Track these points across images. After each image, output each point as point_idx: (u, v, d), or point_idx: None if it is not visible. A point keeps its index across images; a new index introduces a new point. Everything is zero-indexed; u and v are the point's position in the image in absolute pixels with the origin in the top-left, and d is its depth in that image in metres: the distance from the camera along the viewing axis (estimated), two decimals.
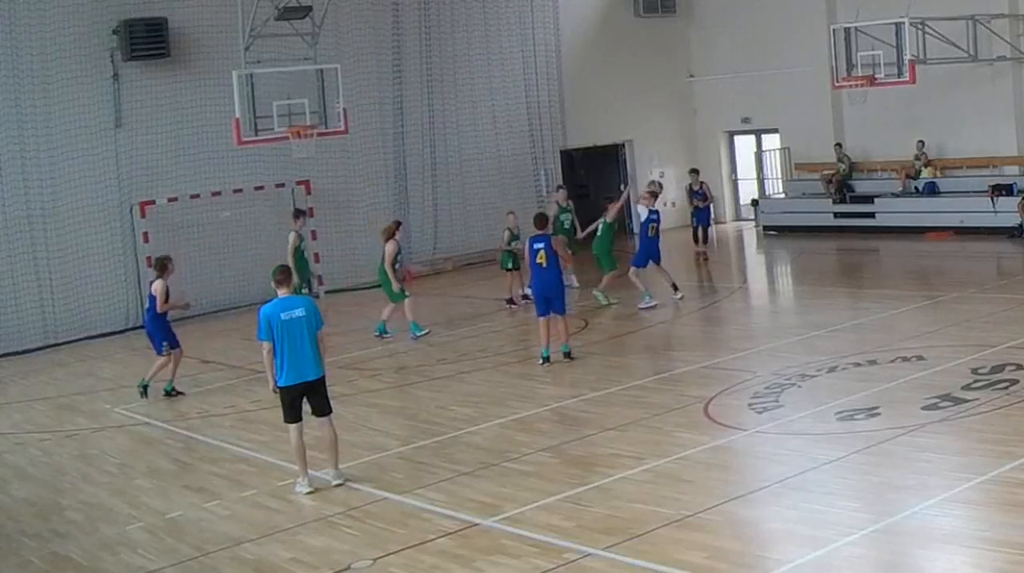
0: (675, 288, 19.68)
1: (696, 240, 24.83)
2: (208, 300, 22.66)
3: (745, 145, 30.91)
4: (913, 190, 26.16)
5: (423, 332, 18.44)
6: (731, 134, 30.83)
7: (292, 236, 19.04)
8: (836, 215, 27.04)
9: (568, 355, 15.78)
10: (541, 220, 16.18)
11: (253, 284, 21.79)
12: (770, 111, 28.95)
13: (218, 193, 23.07)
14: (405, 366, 16.84)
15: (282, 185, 23.87)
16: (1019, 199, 23.64)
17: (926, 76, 23.81)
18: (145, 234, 22.28)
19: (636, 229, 19.98)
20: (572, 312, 16.72)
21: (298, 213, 19.71)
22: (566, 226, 21.45)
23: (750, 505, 9.76)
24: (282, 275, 11.36)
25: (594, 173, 30.35)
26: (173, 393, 15.88)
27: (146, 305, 16.30)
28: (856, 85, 23.78)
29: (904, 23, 22.80)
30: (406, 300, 18.47)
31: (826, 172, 27.65)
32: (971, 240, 24.05)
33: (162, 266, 15.78)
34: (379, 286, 18.14)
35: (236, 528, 10.44)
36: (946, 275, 21.51)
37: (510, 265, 20.71)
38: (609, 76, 28.82)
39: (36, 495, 12.22)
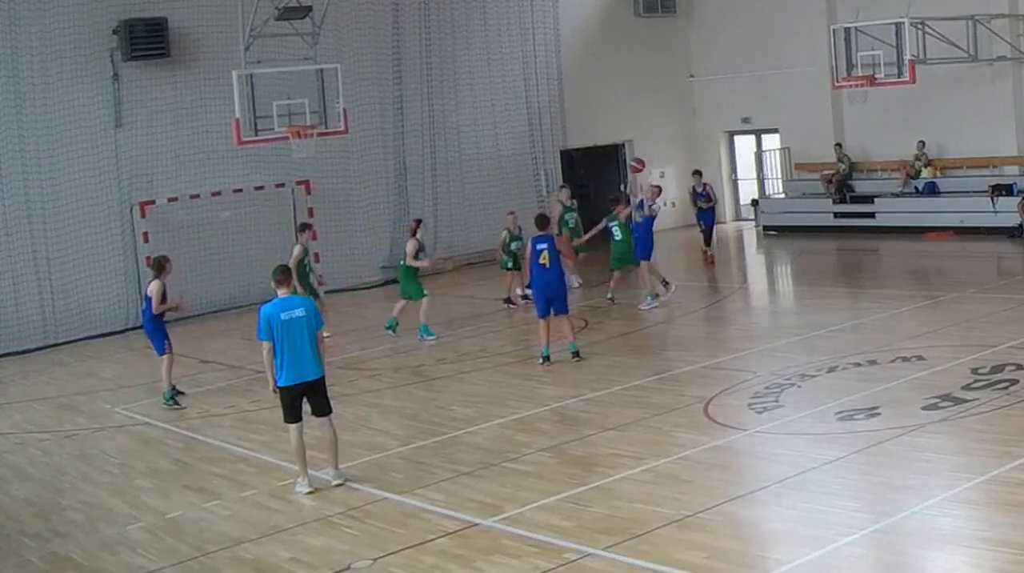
0: (666, 283, 19.58)
1: (708, 242, 24.35)
2: (208, 300, 22.68)
3: (745, 145, 30.92)
4: (913, 190, 26.17)
5: (432, 337, 18.25)
6: (731, 134, 30.84)
7: (297, 249, 18.80)
8: (836, 215, 27.05)
9: (576, 354, 15.77)
10: (543, 221, 16.17)
11: (253, 284, 21.80)
12: (770, 111, 28.95)
13: (218, 193, 23.08)
14: (405, 366, 16.84)
15: (282, 185, 23.88)
16: (1019, 199, 23.64)
17: (926, 76, 23.82)
18: (145, 234, 22.29)
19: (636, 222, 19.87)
20: (573, 312, 16.69)
21: (303, 227, 19.43)
22: (571, 225, 21.40)
23: (750, 505, 9.76)
24: (282, 275, 11.36)
25: (594, 173, 30.34)
26: (176, 395, 15.64)
27: (143, 306, 16.08)
28: (856, 85, 23.79)
29: (904, 23, 22.80)
30: (423, 300, 18.28)
31: (826, 172, 27.66)
32: (971, 240, 24.05)
33: (159, 266, 15.54)
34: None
35: (236, 528, 10.44)
36: (946, 275, 21.51)
37: (509, 265, 20.72)
38: (609, 76, 28.83)
39: (36, 495, 12.22)
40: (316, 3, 21.19)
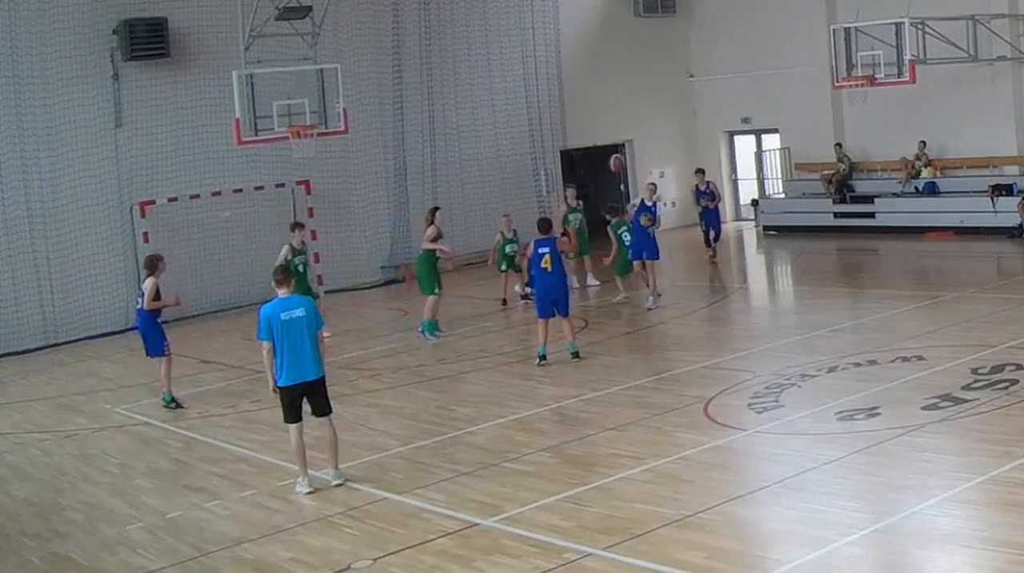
0: (653, 288, 19.38)
1: (708, 243, 24.18)
2: (208, 300, 22.71)
3: (745, 145, 30.91)
4: (913, 190, 26.17)
5: (433, 338, 18.15)
6: (731, 134, 30.84)
7: (284, 249, 18.74)
8: (836, 215, 27.05)
9: (576, 355, 15.76)
10: (545, 225, 16.13)
11: (253, 284, 21.81)
12: (770, 111, 28.95)
13: (218, 193, 23.08)
14: (405, 366, 16.83)
15: (282, 185, 23.87)
16: (1019, 199, 23.64)
17: (926, 76, 23.82)
18: (145, 234, 22.29)
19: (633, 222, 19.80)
20: (574, 313, 16.70)
21: (295, 226, 19.35)
22: (574, 226, 21.32)
23: (750, 505, 9.76)
24: (282, 275, 11.37)
25: (594, 173, 30.35)
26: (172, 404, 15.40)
27: (137, 304, 15.68)
28: (856, 85, 23.78)
29: (904, 23, 22.80)
30: (430, 297, 18.19)
31: (826, 172, 27.66)
32: (971, 240, 24.06)
33: (152, 265, 15.28)
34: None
35: (236, 528, 10.44)
36: (946, 275, 21.52)
37: (504, 266, 20.70)
38: (609, 76, 28.83)
39: (36, 495, 12.21)
40: (316, 3, 21.19)
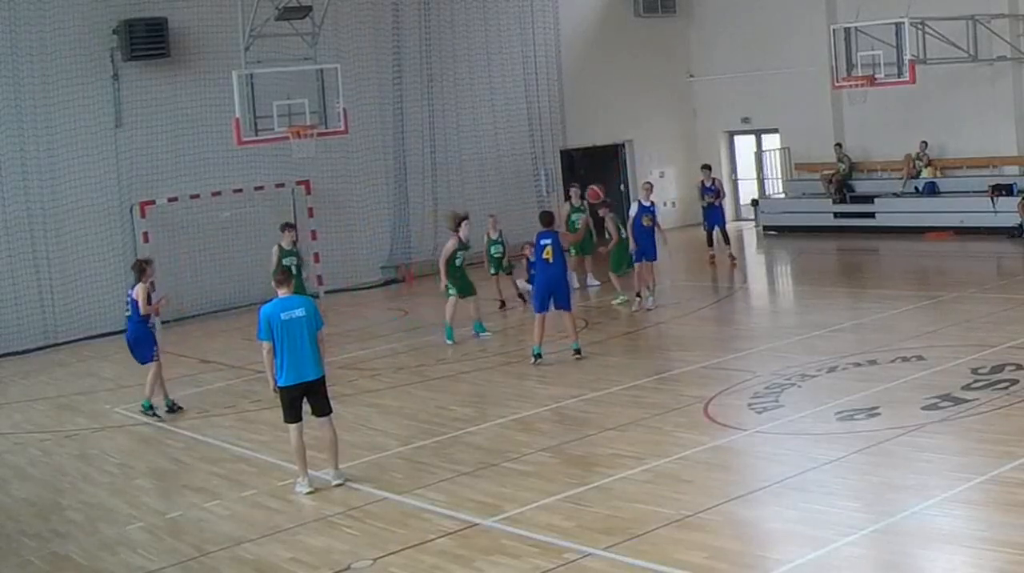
0: (639, 296, 19.27)
1: (710, 242, 24.04)
2: (208, 300, 22.73)
3: (745, 145, 30.92)
4: (913, 190, 26.17)
5: (450, 341, 17.76)
6: (731, 134, 30.84)
7: (275, 249, 18.71)
8: (836, 215, 27.05)
9: (578, 353, 15.75)
10: (547, 217, 16.20)
11: (253, 284, 21.79)
12: (770, 111, 28.96)
13: (218, 193, 23.08)
14: (405, 366, 16.84)
15: (282, 185, 23.88)
16: (1019, 199, 23.65)
17: (926, 76, 23.82)
18: (145, 234, 22.30)
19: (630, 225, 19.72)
20: (574, 312, 16.67)
21: (285, 226, 19.26)
22: (577, 226, 21.20)
23: (750, 505, 9.76)
24: (282, 275, 11.38)
25: (594, 173, 30.32)
26: (176, 407, 15.07)
27: (128, 312, 15.13)
28: (856, 85, 23.79)
29: (904, 23, 22.80)
30: (449, 298, 17.89)
31: (826, 172, 27.66)
32: (971, 240, 24.06)
33: (141, 269, 15.02)
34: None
35: (236, 528, 10.44)
36: (946, 275, 21.52)
37: (493, 270, 20.61)
38: (609, 76, 28.83)
39: (36, 495, 12.21)
40: (316, 3, 21.19)
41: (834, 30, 24.39)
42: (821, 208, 27.33)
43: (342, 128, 21.68)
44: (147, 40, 21.89)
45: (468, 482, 11.03)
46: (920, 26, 23.46)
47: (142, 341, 14.98)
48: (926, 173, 26.08)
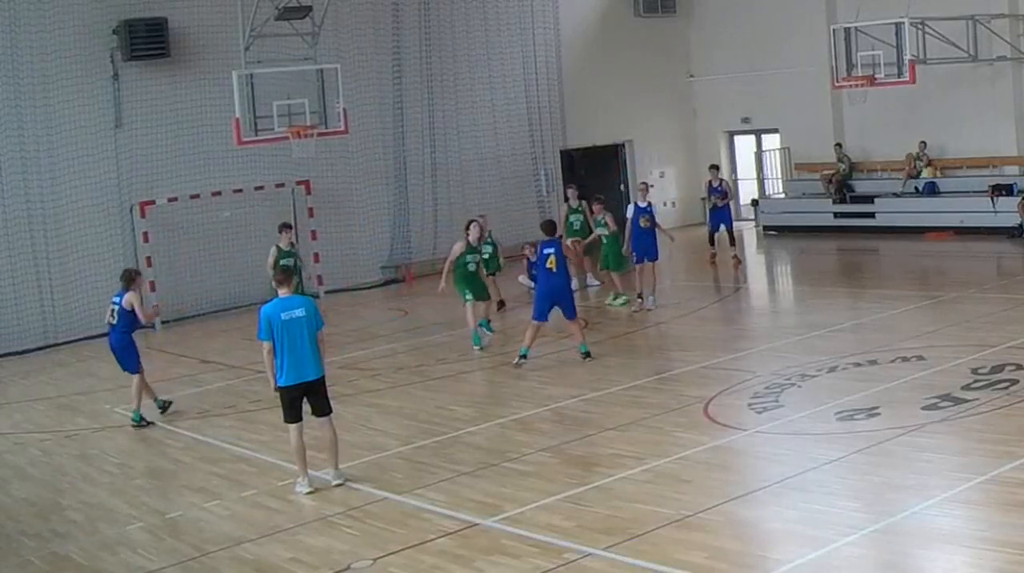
0: (640, 296, 19.26)
1: (712, 242, 23.97)
2: (208, 300, 22.73)
3: (745, 145, 30.91)
4: (913, 190, 26.17)
5: (477, 346, 17.33)
6: (731, 134, 30.84)
7: (272, 250, 18.61)
8: (836, 215, 27.05)
9: (588, 355, 15.70)
10: (549, 226, 16.11)
11: (253, 284, 21.80)
12: (770, 111, 28.95)
13: (218, 193, 23.08)
14: (405, 366, 16.84)
15: (282, 185, 23.88)
16: (1019, 199, 23.65)
17: (926, 76, 23.81)
18: (145, 234, 22.32)
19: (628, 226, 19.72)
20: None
21: (283, 227, 19.17)
22: (575, 227, 21.16)
23: (750, 505, 9.76)
24: (282, 275, 11.39)
25: (594, 173, 30.34)
26: (143, 422, 14.71)
27: (113, 321, 14.67)
28: (856, 85, 23.78)
29: (904, 23, 22.79)
30: (467, 305, 17.42)
31: (826, 172, 27.66)
32: (971, 240, 24.05)
33: (131, 278, 14.72)
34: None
35: (236, 528, 10.44)
36: (946, 275, 21.52)
37: (486, 271, 20.46)
38: (609, 76, 28.82)
39: (36, 495, 12.21)
40: (316, 3, 21.19)
41: (834, 30, 24.38)
42: (821, 208, 27.32)
43: (342, 128, 21.68)
44: (147, 40, 21.90)
45: (468, 482, 11.03)
46: (920, 26, 23.45)
47: (129, 350, 14.75)
48: (926, 173, 26.08)
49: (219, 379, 17.13)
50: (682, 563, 8.51)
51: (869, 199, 26.79)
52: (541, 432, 12.69)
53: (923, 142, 25.97)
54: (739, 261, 23.65)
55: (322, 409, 11.27)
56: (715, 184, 24.20)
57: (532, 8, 27.85)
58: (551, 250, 15.62)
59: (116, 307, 14.59)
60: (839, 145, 27.61)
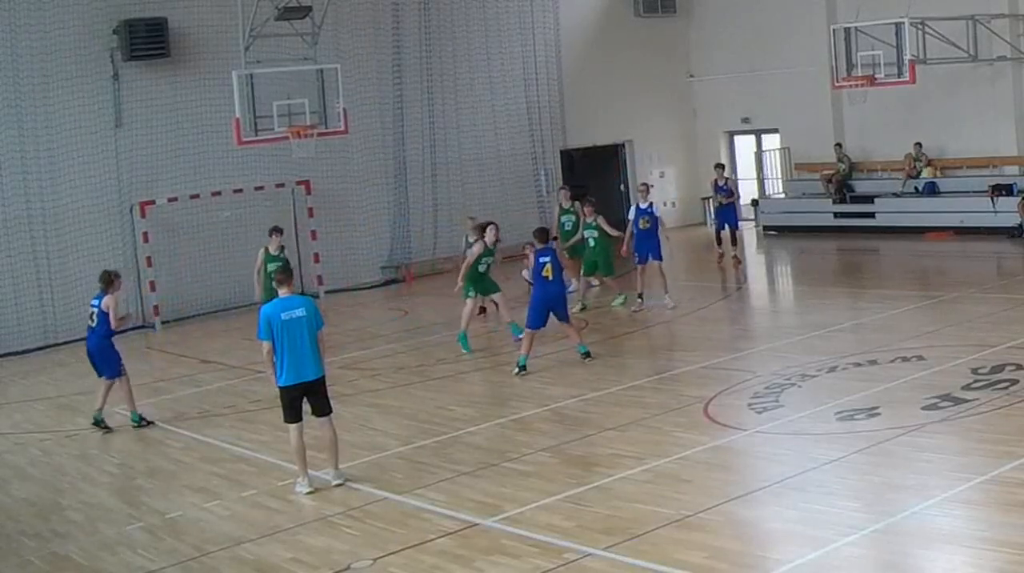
0: (640, 297, 19.25)
1: (719, 241, 23.94)
2: (208, 300, 22.72)
3: (745, 145, 30.91)
4: (913, 190, 26.17)
5: (469, 351, 17.11)
6: (731, 134, 30.84)
7: (260, 252, 18.53)
8: (836, 215, 27.05)
9: (588, 355, 15.66)
10: (542, 234, 15.89)
11: (253, 284, 21.74)
12: (770, 111, 28.95)
13: (218, 193, 23.08)
14: (405, 366, 16.83)
15: (282, 185, 23.88)
16: (1019, 199, 23.64)
17: (926, 76, 23.81)
18: (145, 234, 22.32)
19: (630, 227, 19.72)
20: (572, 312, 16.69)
21: (273, 230, 19.04)
22: (567, 228, 21.10)
23: (750, 505, 9.76)
24: (283, 275, 11.38)
25: (594, 173, 30.35)
26: (103, 425, 14.50)
27: (92, 323, 14.39)
28: (856, 85, 23.78)
29: (904, 23, 22.79)
30: (467, 300, 17.38)
31: (826, 172, 27.66)
32: (971, 240, 24.05)
33: (109, 281, 14.39)
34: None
35: (236, 528, 10.44)
36: (946, 275, 21.51)
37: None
38: (609, 76, 28.82)
39: (36, 495, 12.21)
40: (316, 3, 21.19)
41: (834, 30, 24.38)
42: (821, 208, 27.33)
43: (342, 128, 21.69)
44: (147, 40, 21.90)
45: (468, 482, 11.03)
46: (920, 26, 23.45)
47: (108, 354, 14.48)
48: (926, 173, 26.07)
49: (219, 379, 17.13)
50: (682, 563, 8.51)
51: (869, 199, 26.79)
52: (541, 432, 12.70)
53: (918, 143, 25.96)
54: (739, 261, 23.68)
55: (322, 409, 11.26)
56: (721, 183, 24.20)
57: (532, 8, 27.85)
58: (547, 259, 15.52)
59: (95, 310, 14.35)
60: (839, 145, 27.61)
